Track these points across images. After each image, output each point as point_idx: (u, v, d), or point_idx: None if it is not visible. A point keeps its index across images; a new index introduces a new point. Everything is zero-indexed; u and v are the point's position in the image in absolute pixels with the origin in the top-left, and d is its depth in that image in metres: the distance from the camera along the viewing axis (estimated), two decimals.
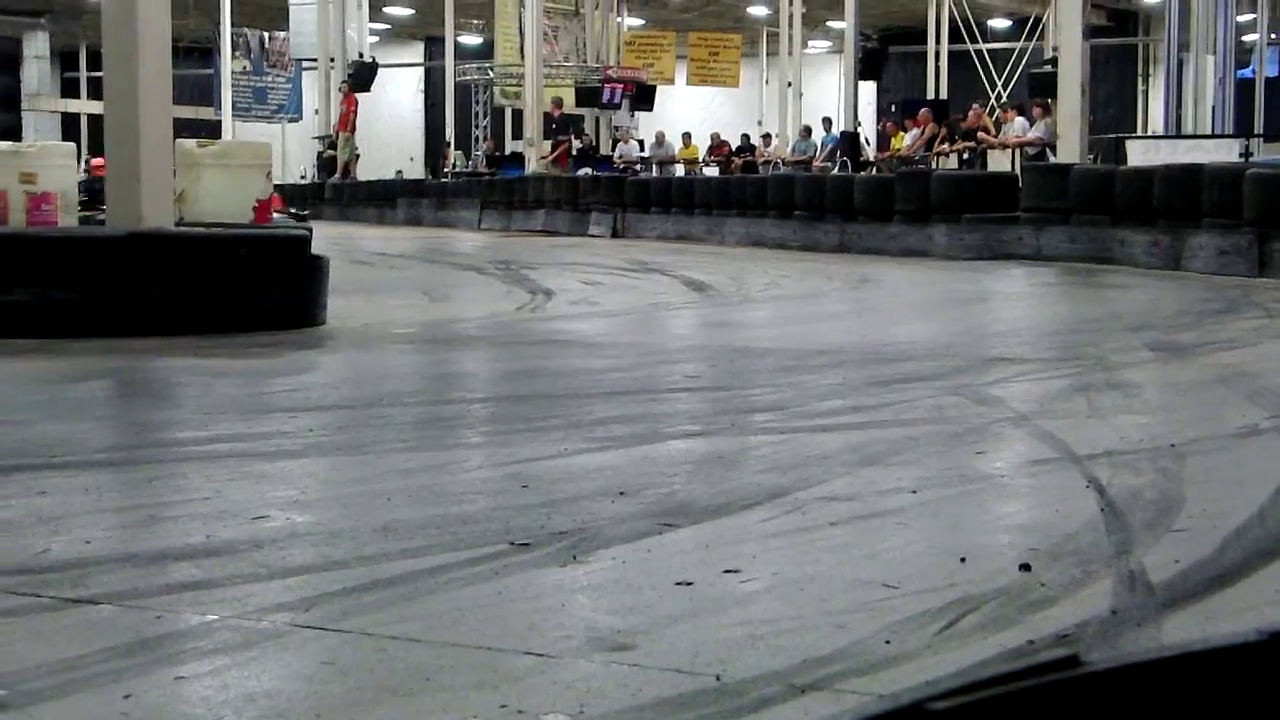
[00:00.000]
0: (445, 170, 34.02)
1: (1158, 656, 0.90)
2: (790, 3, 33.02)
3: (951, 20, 34.57)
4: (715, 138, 33.46)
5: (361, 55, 33.47)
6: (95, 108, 33.66)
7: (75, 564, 3.64)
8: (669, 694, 2.70)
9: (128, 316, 9.01)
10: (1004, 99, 27.78)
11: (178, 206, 10.68)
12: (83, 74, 46.26)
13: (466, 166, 33.06)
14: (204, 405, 6.76)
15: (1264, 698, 0.90)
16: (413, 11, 43.85)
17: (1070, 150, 18.40)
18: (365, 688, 2.77)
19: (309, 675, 2.86)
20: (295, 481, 4.83)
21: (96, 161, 24.18)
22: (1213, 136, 21.06)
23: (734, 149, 32.75)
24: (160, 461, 5.24)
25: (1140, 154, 20.00)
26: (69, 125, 43.63)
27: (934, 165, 23.40)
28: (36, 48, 45.61)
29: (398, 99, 47.09)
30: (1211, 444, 5.36)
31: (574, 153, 30.13)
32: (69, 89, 48.67)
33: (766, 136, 34.43)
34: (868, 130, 31.54)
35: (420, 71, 49.54)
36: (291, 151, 38.76)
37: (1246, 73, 22.94)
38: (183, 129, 13.53)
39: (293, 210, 24.41)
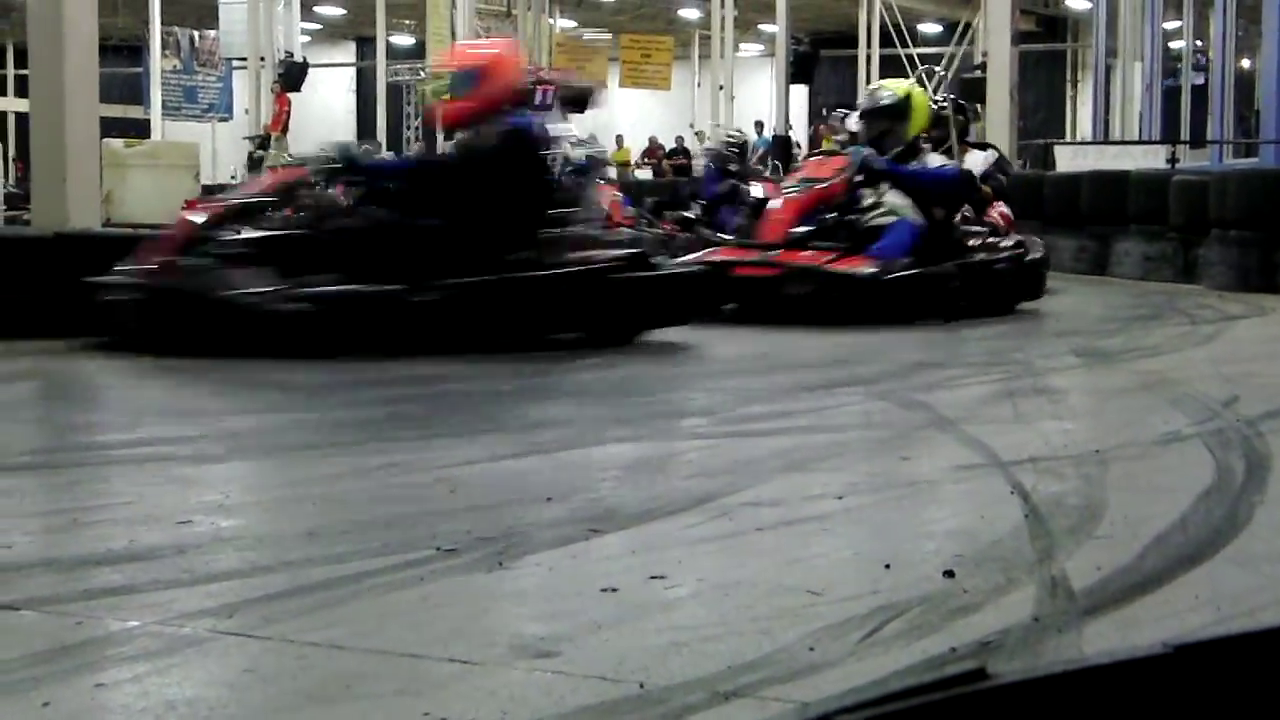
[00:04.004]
0: None
1: (1064, 670, 0.91)
2: (722, 6, 33.03)
3: (882, 24, 34.69)
4: (652, 141, 33.50)
5: (291, 54, 33.21)
6: (23, 105, 33.27)
7: None
8: (592, 701, 2.70)
9: (53, 318, 8.91)
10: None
11: (104, 207, 10.60)
12: (10, 71, 45.74)
13: None
14: (128, 408, 6.71)
15: (1169, 711, 0.91)
16: (344, 11, 43.62)
17: None
18: (286, 694, 2.75)
19: (230, 682, 2.84)
20: (219, 486, 4.80)
21: None
22: (1140, 143, 21.22)
23: (667, 151, 32.79)
24: (84, 465, 5.19)
25: (1068, 159, 20.12)
26: None
27: None
28: None
29: (329, 99, 46.79)
30: (1135, 450, 5.40)
31: None
32: None
33: (700, 134, 34.38)
34: (800, 134, 31.61)
35: (352, 71, 49.29)
36: (222, 151, 38.38)
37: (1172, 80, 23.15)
38: (111, 128, 13.45)
39: None
